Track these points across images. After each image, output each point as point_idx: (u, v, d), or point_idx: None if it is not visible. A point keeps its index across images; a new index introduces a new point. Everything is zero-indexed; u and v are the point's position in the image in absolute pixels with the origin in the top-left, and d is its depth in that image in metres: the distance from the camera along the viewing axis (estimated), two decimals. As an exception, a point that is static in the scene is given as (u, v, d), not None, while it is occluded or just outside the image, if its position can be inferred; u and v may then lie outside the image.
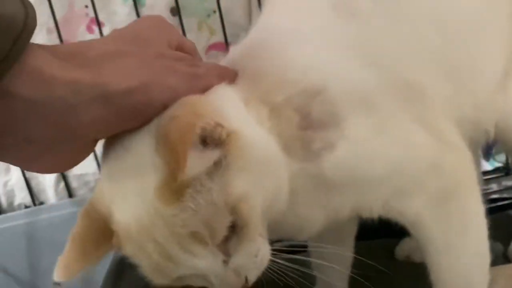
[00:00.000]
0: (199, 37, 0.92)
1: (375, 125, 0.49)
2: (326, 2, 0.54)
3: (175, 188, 0.40)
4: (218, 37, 0.92)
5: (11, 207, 1.00)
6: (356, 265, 0.74)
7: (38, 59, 0.37)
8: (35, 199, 0.99)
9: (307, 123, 0.47)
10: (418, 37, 0.54)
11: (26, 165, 0.43)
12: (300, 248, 0.76)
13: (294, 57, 0.50)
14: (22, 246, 0.90)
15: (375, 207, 0.52)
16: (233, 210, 0.42)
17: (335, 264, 0.70)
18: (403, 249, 0.84)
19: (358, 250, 0.82)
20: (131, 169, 0.43)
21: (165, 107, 0.42)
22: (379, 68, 0.50)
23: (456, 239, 0.53)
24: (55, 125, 0.38)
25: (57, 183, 0.98)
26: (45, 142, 0.39)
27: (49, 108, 0.37)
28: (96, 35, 0.89)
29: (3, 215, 0.95)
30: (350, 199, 0.51)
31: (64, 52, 0.40)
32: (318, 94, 0.48)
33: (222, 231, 0.41)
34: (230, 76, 0.49)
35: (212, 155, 0.41)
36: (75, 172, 0.97)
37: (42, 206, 0.97)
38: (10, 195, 1.00)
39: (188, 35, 0.90)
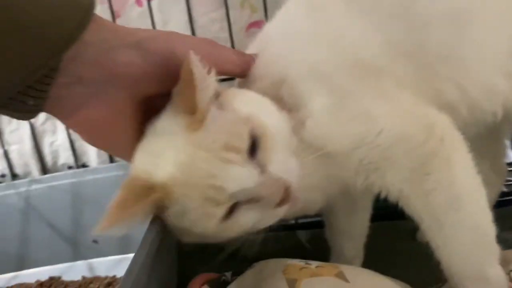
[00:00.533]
0: (241, 15, 0.95)
1: (336, 102, 0.52)
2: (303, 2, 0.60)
3: (197, 117, 0.47)
4: (259, 15, 0.94)
5: (55, 167, 1.06)
6: (377, 245, 0.78)
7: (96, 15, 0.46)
8: (77, 160, 1.04)
9: (282, 106, 0.53)
10: (381, 27, 0.56)
11: (74, 112, 0.48)
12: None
13: (267, 54, 0.57)
14: (67, 204, 0.94)
15: (358, 182, 0.54)
16: (247, 122, 0.48)
17: (349, 234, 0.76)
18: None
19: (379, 230, 0.85)
20: (161, 134, 0.50)
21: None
22: (339, 51, 0.55)
23: (446, 215, 0.51)
24: (99, 64, 0.46)
25: (99, 147, 1.02)
26: (92, 84, 0.47)
27: (96, 48, 0.46)
28: (144, 8, 0.93)
29: (52, 174, 1.00)
30: (332, 173, 0.55)
31: None
32: (283, 82, 0.53)
33: (246, 137, 0.47)
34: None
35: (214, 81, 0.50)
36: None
37: (88, 168, 1.02)
38: (55, 155, 1.05)
39: (231, 12, 0.93)
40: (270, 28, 0.62)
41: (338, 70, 0.53)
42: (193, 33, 0.94)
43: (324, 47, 0.55)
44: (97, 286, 0.88)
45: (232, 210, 0.48)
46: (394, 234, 0.87)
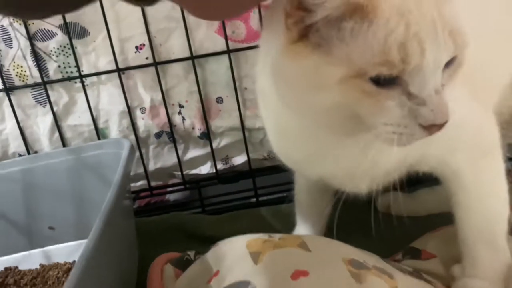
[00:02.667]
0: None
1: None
2: None
3: None
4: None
5: (5, 156, 1.02)
6: (340, 215, 0.80)
7: None
8: (29, 148, 1.01)
9: None
10: None
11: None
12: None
13: None
14: (19, 192, 0.92)
15: (431, 161, 0.60)
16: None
17: (317, 211, 0.80)
18: (384, 201, 0.90)
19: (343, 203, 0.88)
20: None
21: None
22: None
23: (489, 186, 0.63)
24: None
25: (51, 133, 1.00)
26: None
27: None
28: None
29: (1, 162, 0.95)
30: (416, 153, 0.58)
31: None
32: None
33: (462, 44, 0.45)
34: None
35: None
36: (69, 122, 0.99)
37: (38, 154, 0.99)
38: (4, 144, 1.01)
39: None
40: None
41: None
42: (143, 11, 0.91)
43: None
44: (56, 272, 0.87)
45: (385, 87, 0.44)
46: (353, 206, 0.90)
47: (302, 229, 0.81)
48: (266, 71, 0.52)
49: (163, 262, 0.65)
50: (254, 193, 1.06)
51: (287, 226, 0.84)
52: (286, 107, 0.52)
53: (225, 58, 0.94)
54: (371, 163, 0.54)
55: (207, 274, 0.58)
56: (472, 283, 0.62)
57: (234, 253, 0.58)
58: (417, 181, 0.83)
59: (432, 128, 0.44)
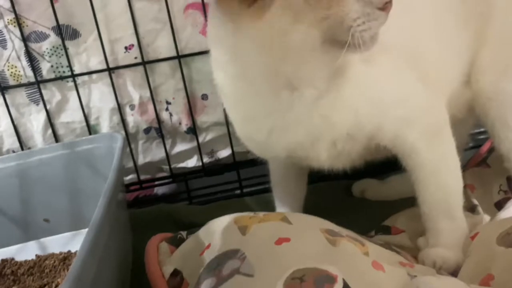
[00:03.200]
0: (179, -3, 0.99)
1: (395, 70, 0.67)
2: None
3: None
4: (197, -3, 0.99)
5: (-1, 153, 1.06)
6: (316, 203, 0.86)
7: None
8: (23, 145, 1.05)
9: None
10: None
11: None
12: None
13: None
14: (14, 186, 0.95)
15: (387, 134, 0.67)
16: None
17: (294, 196, 0.87)
18: (358, 186, 0.98)
19: (320, 189, 0.94)
20: None
21: None
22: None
23: (442, 162, 0.70)
24: None
25: (44, 130, 1.04)
26: None
27: None
28: (84, -9, 0.95)
29: (-4, 158, 0.99)
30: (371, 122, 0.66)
31: None
32: None
33: None
34: None
35: None
36: (62, 119, 1.04)
37: (33, 149, 1.03)
38: (-2, 141, 1.05)
39: (168, -7, 0.97)
40: None
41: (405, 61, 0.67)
42: (132, 14, 0.97)
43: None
44: (52, 261, 0.90)
45: None
46: (330, 192, 0.98)
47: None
48: (219, 65, 0.64)
49: (158, 241, 0.71)
50: (239, 185, 1.12)
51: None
52: (263, 71, 0.60)
53: (209, 57, 1.00)
54: (326, 124, 0.63)
55: (199, 248, 0.64)
56: (435, 251, 0.69)
57: (224, 229, 0.64)
58: (388, 169, 0.90)
59: (386, 7, 0.55)
